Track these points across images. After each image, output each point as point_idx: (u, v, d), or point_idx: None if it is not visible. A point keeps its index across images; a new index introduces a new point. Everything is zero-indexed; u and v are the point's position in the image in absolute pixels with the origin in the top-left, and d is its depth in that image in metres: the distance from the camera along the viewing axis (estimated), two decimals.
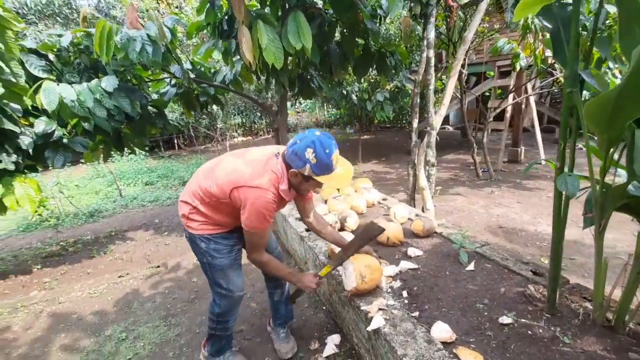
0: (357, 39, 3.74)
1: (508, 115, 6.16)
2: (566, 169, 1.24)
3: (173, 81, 4.12)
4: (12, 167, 2.74)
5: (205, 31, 3.71)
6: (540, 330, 1.36)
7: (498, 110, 5.70)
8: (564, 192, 1.21)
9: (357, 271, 1.57)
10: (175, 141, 13.05)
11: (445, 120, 13.02)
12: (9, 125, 2.62)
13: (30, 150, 2.89)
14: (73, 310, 2.57)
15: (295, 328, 2.09)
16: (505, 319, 1.42)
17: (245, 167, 1.41)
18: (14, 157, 2.78)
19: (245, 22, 2.75)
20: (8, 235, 5.00)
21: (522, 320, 1.42)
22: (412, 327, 1.39)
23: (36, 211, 5.19)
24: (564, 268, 2.75)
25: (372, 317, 1.47)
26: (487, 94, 8.72)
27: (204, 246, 1.54)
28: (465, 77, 5.80)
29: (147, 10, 8.47)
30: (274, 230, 3.76)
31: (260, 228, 1.42)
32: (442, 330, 1.36)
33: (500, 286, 1.66)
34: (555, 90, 9.34)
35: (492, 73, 7.29)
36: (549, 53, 5.26)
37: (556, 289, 1.39)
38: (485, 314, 1.48)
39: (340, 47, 3.83)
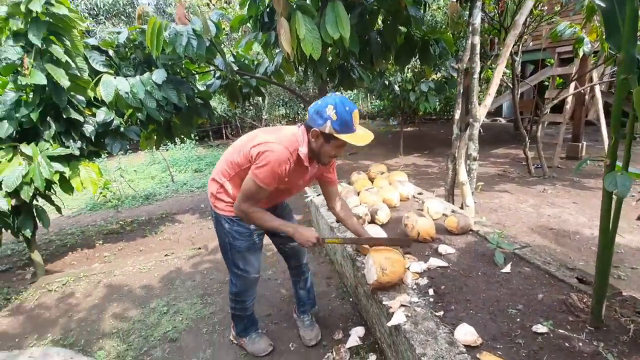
0: (399, 27, 3.60)
1: (568, 106, 5.57)
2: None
3: (218, 73, 4.31)
4: (77, 152, 3.06)
5: (247, 24, 3.82)
6: (580, 344, 1.24)
7: (556, 101, 5.18)
8: (613, 193, 1.08)
9: (377, 264, 1.55)
10: (224, 131, 13.67)
11: (498, 112, 12.12)
12: (75, 115, 2.93)
13: (93, 138, 3.21)
14: (125, 282, 2.85)
15: (320, 317, 2.12)
16: (540, 328, 1.31)
17: (270, 134, 1.47)
18: (79, 144, 3.11)
19: (284, 14, 2.78)
20: (78, 213, 5.65)
21: (560, 330, 1.30)
22: (434, 327, 1.34)
23: (101, 192, 5.81)
24: (623, 278, 2.47)
25: (393, 313, 1.45)
26: (546, 83, 7.97)
27: (227, 227, 1.61)
28: (519, 65, 5.33)
29: (198, 7, 8.91)
30: (308, 220, 3.82)
31: (264, 182, 1.41)
32: (466, 333, 1.30)
33: (538, 292, 1.53)
34: None
35: (551, 61, 6.63)
36: None
37: (602, 299, 1.26)
38: (518, 320, 1.38)
39: (382, 36, 3.72)
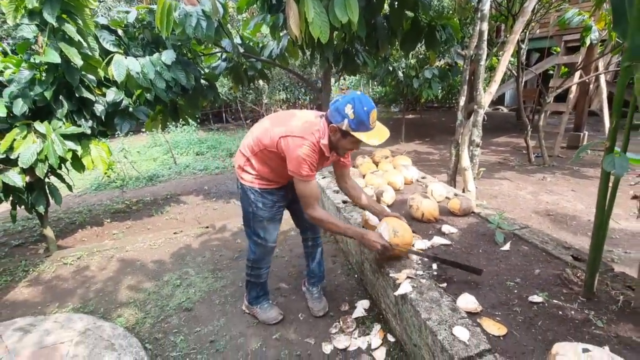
0: (405, 12, 3.60)
1: (572, 96, 5.61)
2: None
3: (224, 55, 4.31)
4: (88, 131, 3.12)
5: (255, 5, 3.80)
6: (572, 312, 1.35)
7: (559, 91, 5.21)
8: (611, 173, 1.16)
9: (390, 226, 1.68)
10: (224, 115, 13.62)
11: (500, 100, 12.11)
12: (87, 94, 2.97)
13: (103, 117, 3.26)
14: (137, 257, 2.96)
15: (328, 291, 2.24)
16: (536, 298, 1.42)
17: (295, 122, 1.58)
18: (90, 123, 3.16)
19: None
20: (84, 193, 5.73)
21: (554, 301, 1.41)
22: (438, 296, 1.45)
23: (105, 172, 5.88)
24: (616, 262, 2.59)
25: (400, 284, 1.55)
26: (550, 72, 7.96)
27: (252, 197, 1.74)
28: (525, 53, 5.33)
29: None
30: None
31: (303, 175, 1.54)
32: (468, 302, 1.41)
33: (535, 268, 1.64)
34: None
35: (557, 49, 6.61)
36: None
37: (595, 272, 1.36)
38: (515, 291, 1.49)
39: (388, 21, 3.72)
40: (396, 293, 1.53)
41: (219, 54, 4.35)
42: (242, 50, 4.06)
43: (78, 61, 2.67)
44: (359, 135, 1.48)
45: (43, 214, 3.20)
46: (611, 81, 6.64)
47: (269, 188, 1.75)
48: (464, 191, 3.06)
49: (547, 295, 1.44)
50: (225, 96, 11.70)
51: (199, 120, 10.47)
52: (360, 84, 15.04)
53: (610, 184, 1.25)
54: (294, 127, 1.55)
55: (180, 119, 4.34)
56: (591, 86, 5.79)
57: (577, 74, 5.33)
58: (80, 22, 2.82)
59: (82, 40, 2.84)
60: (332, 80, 10.27)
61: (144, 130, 5.05)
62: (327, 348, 1.77)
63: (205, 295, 2.32)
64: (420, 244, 1.89)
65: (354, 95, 1.49)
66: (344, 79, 14.23)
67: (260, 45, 4.55)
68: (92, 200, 5.23)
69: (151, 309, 2.21)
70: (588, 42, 4.47)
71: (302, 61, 6.52)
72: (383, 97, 12.77)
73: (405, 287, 1.52)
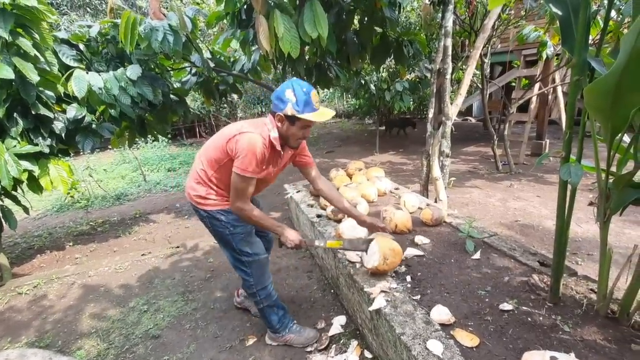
0: (374, 28, 3.71)
1: (533, 106, 5.94)
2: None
3: (194, 70, 4.24)
4: (47, 150, 2.94)
5: (225, 20, 3.79)
6: (541, 318, 1.38)
7: (521, 101, 5.50)
8: (568, 181, 1.21)
9: (382, 252, 1.61)
10: (197, 129, 13.38)
11: (469, 111, 12.64)
12: (44, 111, 2.82)
13: (63, 135, 3.09)
14: (101, 283, 2.77)
15: (303, 309, 2.18)
16: (506, 306, 1.44)
17: (240, 124, 1.55)
18: (48, 141, 2.99)
19: (263, 12, 2.80)
20: (44, 215, 5.38)
21: (523, 307, 1.44)
22: (412, 309, 1.44)
23: (68, 193, 5.56)
24: (579, 264, 2.70)
25: (374, 299, 1.53)
26: (513, 84, 8.40)
27: (224, 218, 1.64)
28: (488, 67, 5.62)
29: (169, 0, 8.66)
30: (287, 217, 3.86)
31: (249, 172, 1.48)
32: (441, 313, 1.40)
33: (505, 275, 1.67)
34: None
35: (518, 62, 7.01)
36: None
37: (559, 278, 1.40)
38: (487, 300, 1.51)
39: (358, 36, 3.82)
40: (370, 308, 1.50)
41: (188, 69, 4.28)
42: (212, 65, 4.02)
43: (34, 77, 2.54)
44: (306, 116, 1.46)
45: None
46: (567, 92, 7.09)
47: None
48: (436, 201, 3.12)
49: (516, 302, 1.46)
50: (198, 110, 11.52)
51: (169, 136, 10.22)
52: (335, 96, 15.28)
53: (569, 191, 1.31)
54: (240, 127, 1.51)
55: (149, 135, 4.21)
56: (550, 97, 6.16)
57: (537, 85, 5.66)
58: (36, 35, 2.70)
59: (38, 54, 2.70)
60: None
61: (111, 147, 4.85)
62: None
63: (174, 320, 2.20)
64: None
65: (291, 80, 1.49)
66: (319, 92, 14.40)
67: (232, 59, 4.52)
68: (53, 223, 4.92)
69: (115, 339, 2.07)
70: (545, 56, 4.77)
71: (276, 75, 6.54)
72: (357, 110, 13.02)
73: (379, 302, 1.50)
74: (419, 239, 2.07)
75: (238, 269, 1.77)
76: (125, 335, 2.10)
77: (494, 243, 1.96)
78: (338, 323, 1.97)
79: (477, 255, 1.86)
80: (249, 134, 1.46)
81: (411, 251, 1.94)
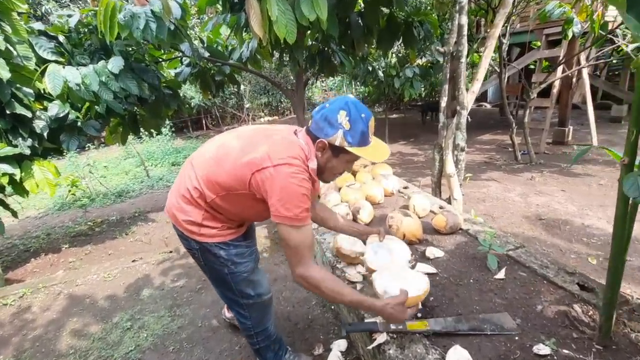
0: (381, 8, 3.35)
1: (555, 90, 5.47)
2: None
3: (187, 60, 3.97)
4: (27, 151, 2.75)
5: (218, 5, 3.49)
6: None
7: (543, 85, 5.05)
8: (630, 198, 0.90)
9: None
10: (204, 121, 13.20)
11: (483, 96, 12.04)
12: (20, 110, 2.61)
13: (45, 134, 2.89)
14: (87, 293, 2.60)
15: (299, 329, 1.94)
16: (542, 348, 1.15)
17: (268, 144, 1.11)
18: (29, 142, 2.79)
19: None
20: (45, 214, 5.29)
21: (565, 351, 1.15)
22: (423, 351, 1.17)
23: (69, 191, 5.45)
24: (628, 285, 2.34)
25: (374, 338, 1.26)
26: (532, 66, 7.86)
27: (224, 254, 1.26)
28: (506, 48, 5.16)
29: None
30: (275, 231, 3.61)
31: (302, 218, 1.08)
32: (459, 357, 1.13)
33: (537, 302, 1.38)
34: (614, 61, 8.22)
35: (537, 43, 6.49)
36: (609, 16, 4.52)
37: (612, 315, 1.10)
38: (517, 338, 1.22)
39: (363, 18, 3.46)
40: (369, 347, 1.24)
41: (181, 59, 4.01)
42: (206, 54, 3.74)
43: (5, 74, 2.32)
44: (360, 152, 1.11)
45: None
46: (591, 74, 6.56)
47: (241, 234, 1.32)
48: (449, 200, 2.81)
49: (554, 342, 1.17)
50: (203, 102, 11.31)
51: (174, 129, 10.05)
52: (343, 84, 14.83)
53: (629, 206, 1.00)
54: (271, 151, 1.08)
55: (144, 131, 4.00)
56: (573, 80, 5.67)
57: (560, 68, 5.19)
58: (8, 28, 2.46)
59: (10, 48, 2.48)
60: (313, 80, 9.95)
61: (104, 142, 4.68)
62: None
63: (157, 340, 1.99)
64: None
65: (347, 99, 1.12)
66: (322, 80, 13.99)
67: (229, 47, 4.23)
68: (53, 222, 4.81)
69: None
70: (570, 35, 4.30)
71: (276, 63, 6.23)
72: (366, 97, 12.59)
73: (381, 337, 1.24)
74: (431, 251, 1.78)
75: (233, 309, 1.43)
76: (104, 357, 1.90)
77: (521, 258, 1.66)
78: (337, 349, 1.71)
79: (501, 274, 1.56)
80: (287, 168, 1.06)
81: (422, 267, 1.65)
